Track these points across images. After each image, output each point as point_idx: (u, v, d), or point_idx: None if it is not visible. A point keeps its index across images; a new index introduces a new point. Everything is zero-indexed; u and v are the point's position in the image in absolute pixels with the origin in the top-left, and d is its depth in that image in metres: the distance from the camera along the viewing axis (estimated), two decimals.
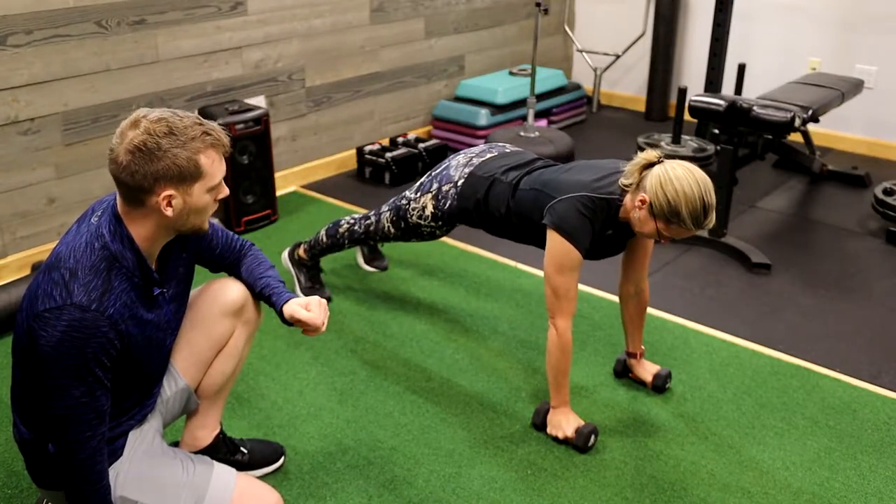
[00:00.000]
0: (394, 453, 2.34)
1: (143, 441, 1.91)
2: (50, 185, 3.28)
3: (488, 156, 2.61)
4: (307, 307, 1.95)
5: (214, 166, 1.70)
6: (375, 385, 2.64)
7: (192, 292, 2.05)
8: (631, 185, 2.22)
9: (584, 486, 2.23)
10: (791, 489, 2.24)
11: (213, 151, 1.69)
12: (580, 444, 2.34)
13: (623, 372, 2.68)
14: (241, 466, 2.18)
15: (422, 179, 2.72)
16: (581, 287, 3.24)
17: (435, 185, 2.64)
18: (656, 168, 2.18)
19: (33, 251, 3.28)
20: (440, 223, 2.65)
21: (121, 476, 1.84)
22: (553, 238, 2.27)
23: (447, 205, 2.59)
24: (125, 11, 3.34)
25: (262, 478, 2.21)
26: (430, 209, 2.63)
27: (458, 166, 2.62)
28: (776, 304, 3.18)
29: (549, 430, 2.40)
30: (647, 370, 2.62)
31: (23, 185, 3.21)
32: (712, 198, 2.14)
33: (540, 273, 3.32)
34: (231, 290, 2.04)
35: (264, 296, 2.02)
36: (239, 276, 2.07)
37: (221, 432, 2.19)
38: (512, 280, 3.31)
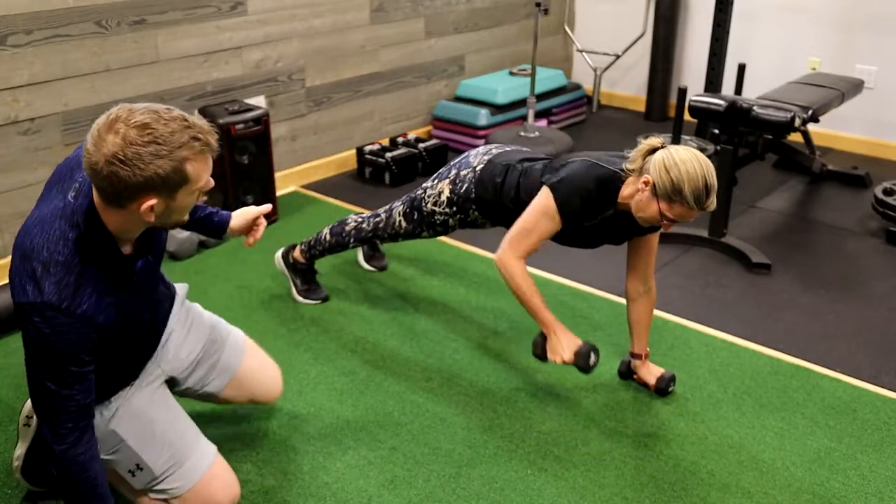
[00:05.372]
0: (394, 453, 2.34)
1: (150, 383, 2.00)
2: None
3: (507, 149, 2.68)
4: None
5: (201, 172, 1.61)
6: (375, 385, 2.64)
7: (239, 348, 2.26)
8: (634, 170, 2.26)
9: (584, 486, 2.23)
10: (791, 489, 2.24)
11: (200, 157, 1.59)
12: (582, 364, 2.34)
13: (627, 373, 2.68)
14: None
15: (440, 171, 2.77)
16: (581, 287, 3.24)
17: (453, 172, 2.68)
18: (659, 152, 2.22)
19: None
20: (454, 209, 2.66)
21: (119, 410, 1.91)
22: (545, 193, 2.34)
23: (464, 188, 2.62)
24: (125, 11, 3.34)
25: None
26: (446, 193, 2.66)
27: (477, 154, 2.68)
28: (776, 304, 3.18)
29: (549, 357, 2.41)
30: (651, 372, 2.62)
31: (23, 185, 3.21)
32: (714, 179, 2.17)
33: (540, 273, 3.32)
34: (267, 392, 2.31)
35: (202, 216, 2.19)
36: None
37: None
38: None
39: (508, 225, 2.60)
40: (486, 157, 2.63)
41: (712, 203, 2.18)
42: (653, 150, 2.24)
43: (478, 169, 2.61)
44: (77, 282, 1.61)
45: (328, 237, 3.00)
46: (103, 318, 1.68)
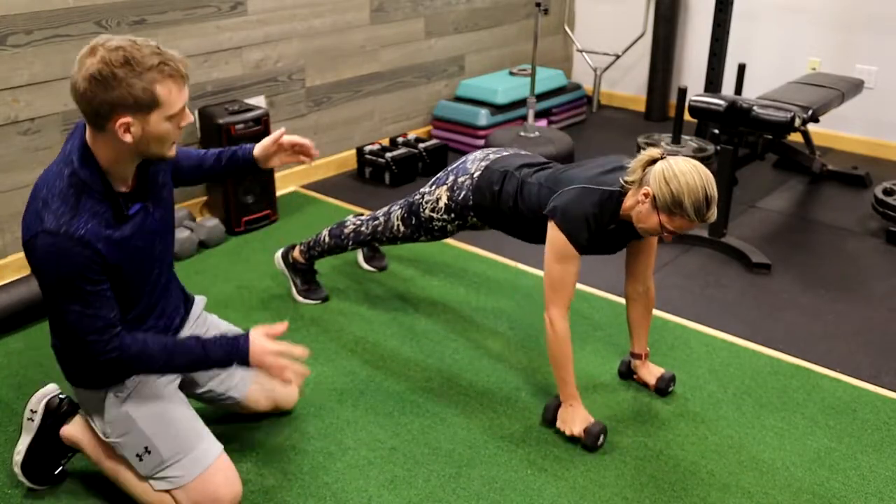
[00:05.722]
0: (394, 453, 2.34)
1: (165, 379, 2.06)
2: None
3: (505, 153, 2.65)
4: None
5: (172, 96, 1.73)
6: (375, 385, 2.64)
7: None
8: (634, 181, 2.24)
9: (584, 487, 2.23)
10: (791, 489, 2.24)
11: (170, 82, 1.72)
12: (589, 443, 2.35)
13: (628, 373, 2.68)
14: None
15: (437, 175, 2.74)
16: (581, 287, 3.23)
17: (451, 178, 2.65)
18: (659, 164, 2.20)
19: None
20: (453, 216, 2.65)
21: (133, 394, 1.98)
22: (552, 229, 2.30)
23: (462, 195, 2.60)
24: (125, 11, 3.34)
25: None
26: (444, 200, 2.64)
27: (475, 160, 2.65)
28: (776, 304, 3.18)
29: (558, 425, 2.41)
30: (651, 372, 2.62)
31: (23, 185, 3.21)
32: (714, 191, 2.16)
33: (540, 273, 3.32)
34: (288, 393, 2.41)
35: (226, 158, 2.28)
36: (204, 171, 2.27)
37: None
38: (512, 280, 3.31)
39: (507, 230, 2.59)
40: (483, 164, 2.61)
41: (713, 215, 2.17)
42: (652, 161, 2.22)
43: (475, 176, 2.59)
44: (73, 211, 1.74)
45: (327, 239, 3.00)
46: (102, 246, 1.78)
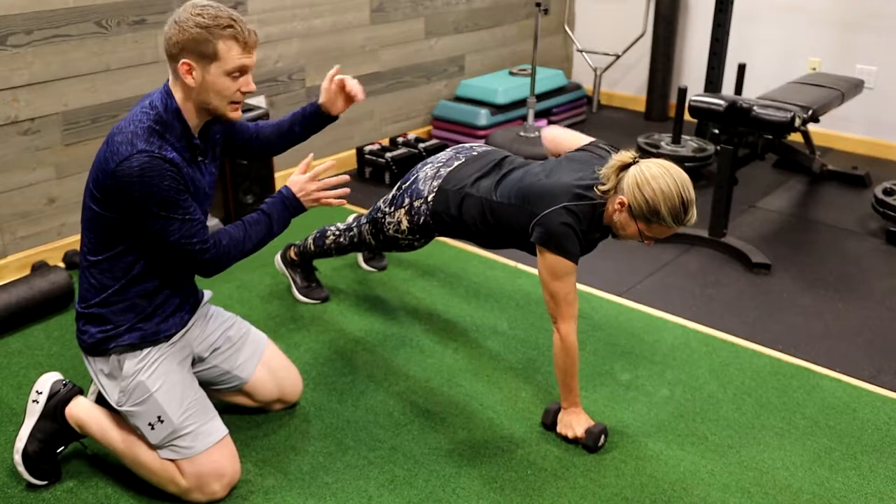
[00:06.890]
0: (394, 453, 2.34)
1: (181, 351, 2.14)
2: (50, 185, 3.28)
3: (456, 164, 2.56)
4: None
5: (231, 53, 1.93)
6: (375, 385, 2.64)
7: (274, 355, 2.42)
8: (609, 190, 2.20)
9: (584, 486, 2.23)
10: (791, 489, 2.24)
11: (232, 41, 1.92)
12: (590, 443, 2.34)
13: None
14: None
15: (393, 192, 2.67)
16: (581, 287, 3.23)
17: (407, 200, 2.59)
18: (632, 169, 2.16)
19: (33, 251, 3.29)
20: (417, 236, 2.63)
21: (149, 365, 2.05)
22: (545, 254, 2.26)
23: (421, 220, 2.56)
24: (125, 11, 3.34)
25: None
26: (405, 224, 2.60)
27: (426, 179, 2.57)
28: (776, 304, 3.18)
29: (559, 429, 2.40)
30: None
31: (23, 185, 3.21)
32: (691, 194, 2.12)
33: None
34: (293, 383, 2.45)
35: (297, 121, 2.37)
36: (269, 141, 2.37)
37: None
38: (511, 280, 3.31)
39: (476, 243, 2.56)
40: (435, 184, 2.53)
41: (692, 218, 2.14)
42: (625, 166, 2.18)
43: (430, 200, 2.52)
44: (160, 140, 1.92)
45: (312, 248, 2.99)
46: (185, 172, 1.95)
